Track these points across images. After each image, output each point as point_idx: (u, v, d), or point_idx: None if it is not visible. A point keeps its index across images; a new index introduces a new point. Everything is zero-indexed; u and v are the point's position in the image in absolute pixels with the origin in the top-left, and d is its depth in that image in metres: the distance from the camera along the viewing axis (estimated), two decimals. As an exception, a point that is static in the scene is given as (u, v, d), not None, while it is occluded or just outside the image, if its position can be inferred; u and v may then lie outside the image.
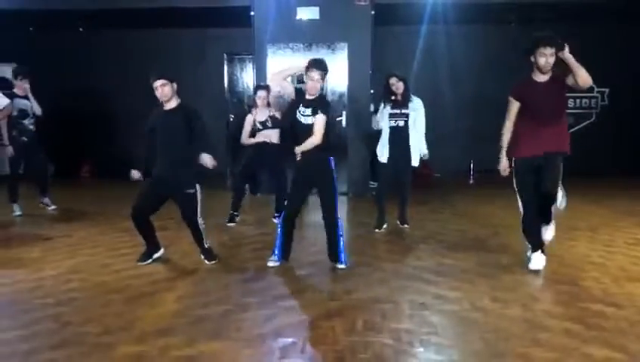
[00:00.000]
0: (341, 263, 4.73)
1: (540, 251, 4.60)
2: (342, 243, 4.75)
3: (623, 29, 10.23)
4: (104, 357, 3.06)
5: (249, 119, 6.56)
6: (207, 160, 4.64)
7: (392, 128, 5.96)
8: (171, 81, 4.61)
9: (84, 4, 8.68)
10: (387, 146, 6.00)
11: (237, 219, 6.52)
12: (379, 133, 6.18)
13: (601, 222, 6.30)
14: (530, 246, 4.68)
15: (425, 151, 6.05)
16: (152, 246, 4.94)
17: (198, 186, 4.75)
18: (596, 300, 3.87)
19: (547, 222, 4.60)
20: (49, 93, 7.59)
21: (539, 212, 4.56)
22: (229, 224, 6.41)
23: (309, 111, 4.54)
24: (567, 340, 3.26)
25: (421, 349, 3.18)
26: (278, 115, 6.53)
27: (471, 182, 10.28)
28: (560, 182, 4.49)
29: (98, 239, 5.82)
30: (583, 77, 4.20)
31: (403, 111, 5.90)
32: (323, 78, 4.53)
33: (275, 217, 6.49)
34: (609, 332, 3.35)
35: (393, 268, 4.74)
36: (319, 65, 4.51)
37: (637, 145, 10.35)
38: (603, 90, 10.76)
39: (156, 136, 4.70)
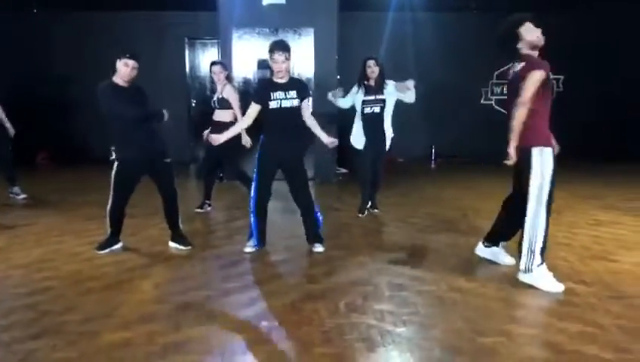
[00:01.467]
0: (322, 242, 4.78)
1: None
2: (321, 221, 4.81)
3: (580, 16, 10.56)
4: (90, 345, 3.01)
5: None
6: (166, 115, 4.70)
7: (367, 115, 5.91)
8: (138, 68, 4.59)
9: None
10: (362, 133, 5.97)
11: (208, 207, 6.43)
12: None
13: (564, 205, 6.54)
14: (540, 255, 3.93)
15: (391, 134, 6.09)
16: (115, 237, 4.84)
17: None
18: (566, 278, 4.02)
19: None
20: (1, 77, 7.29)
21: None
22: (197, 210, 6.34)
23: (293, 93, 4.51)
24: (543, 316, 3.42)
25: (404, 329, 3.26)
26: (228, 95, 6.17)
27: (433, 166, 10.48)
28: None
29: (64, 227, 5.67)
30: None
31: (378, 97, 5.85)
32: (288, 58, 4.46)
33: None
34: (580, 308, 3.52)
35: (369, 252, 4.81)
36: (281, 46, 4.46)
37: (589, 131, 10.74)
38: (558, 77, 11.10)
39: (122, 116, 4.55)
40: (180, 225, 4.91)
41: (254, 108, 4.58)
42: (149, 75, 7.77)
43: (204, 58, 10.78)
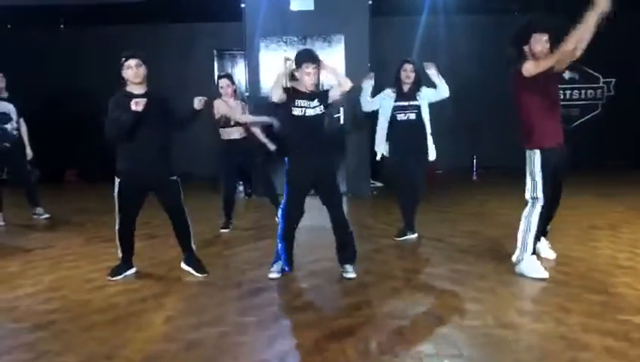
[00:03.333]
0: (354, 263, 4.36)
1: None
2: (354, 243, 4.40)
3: (630, 18, 9.85)
4: (82, 396, 2.64)
5: (219, 104, 5.94)
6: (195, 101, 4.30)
7: (401, 122, 5.33)
8: (145, 63, 4.20)
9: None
10: (385, 139, 5.45)
11: (231, 225, 6.07)
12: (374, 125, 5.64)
13: (621, 220, 5.92)
14: (529, 248, 4.21)
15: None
16: (127, 262, 4.52)
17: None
18: (635, 311, 3.47)
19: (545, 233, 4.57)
20: (29, 94, 7.14)
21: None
22: (222, 230, 5.97)
23: (315, 102, 4.17)
24: (610, 359, 2.87)
25: (446, 376, 2.78)
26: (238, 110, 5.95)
27: (474, 178, 9.90)
28: None
29: (82, 250, 5.38)
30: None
31: (412, 103, 5.31)
32: (317, 68, 4.14)
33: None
34: (657, 350, 2.96)
35: (404, 277, 4.33)
36: (309, 56, 4.15)
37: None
38: (609, 80, 10.39)
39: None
40: (193, 247, 4.52)
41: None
42: (178, 88, 7.56)
43: (233, 69, 10.51)
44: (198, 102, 4.32)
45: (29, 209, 6.91)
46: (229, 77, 6.11)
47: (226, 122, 5.90)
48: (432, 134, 5.45)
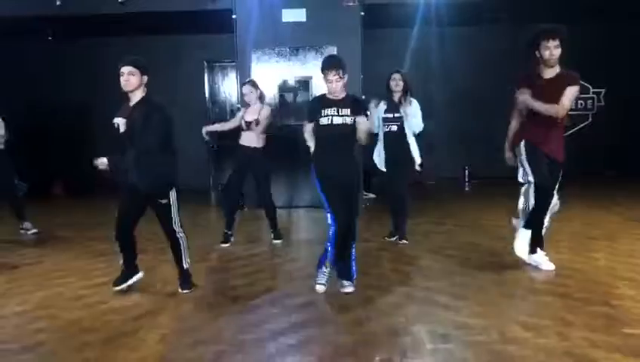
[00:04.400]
0: (351, 281, 4.27)
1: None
2: (354, 255, 4.33)
3: (620, 28, 9.94)
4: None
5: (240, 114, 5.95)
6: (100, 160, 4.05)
7: (385, 133, 5.55)
8: (142, 72, 4.08)
9: (53, 10, 8.04)
10: (383, 153, 5.61)
11: (232, 239, 5.92)
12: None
13: (617, 230, 5.89)
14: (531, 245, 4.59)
15: (418, 156, 5.59)
16: (131, 268, 4.40)
17: (172, 194, 4.22)
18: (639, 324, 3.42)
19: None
20: (16, 106, 7.00)
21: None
22: (222, 245, 5.83)
23: (346, 110, 4.11)
24: (621, 376, 2.80)
25: (453, 394, 2.69)
26: (264, 117, 5.79)
27: (467, 189, 9.87)
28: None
29: (71, 266, 5.24)
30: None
31: (395, 115, 5.48)
32: (342, 76, 4.08)
33: (277, 239, 5.98)
34: (667, 365, 2.90)
35: (404, 291, 4.24)
36: (333, 64, 4.11)
37: (634, 147, 10.02)
38: (599, 90, 10.45)
39: (121, 139, 4.10)
40: (185, 265, 4.38)
41: (308, 127, 4.28)
42: (168, 100, 7.43)
43: (223, 81, 10.43)
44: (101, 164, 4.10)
45: (16, 224, 6.74)
46: (252, 83, 5.97)
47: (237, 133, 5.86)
48: (422, 146, 5.62)
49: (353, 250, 4.32)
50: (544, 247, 4.69)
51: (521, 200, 4.66)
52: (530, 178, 4.43)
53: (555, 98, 4.22)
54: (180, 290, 4.33)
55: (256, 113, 5.77)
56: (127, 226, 4.29)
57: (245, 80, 6.34)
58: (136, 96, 4.11)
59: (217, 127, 6.28)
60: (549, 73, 4.29)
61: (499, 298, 4.03)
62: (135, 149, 4.00)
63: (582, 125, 10.50)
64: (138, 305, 4.08)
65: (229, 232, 5.89)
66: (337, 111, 4.11)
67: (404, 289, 4.30)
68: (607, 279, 4.36)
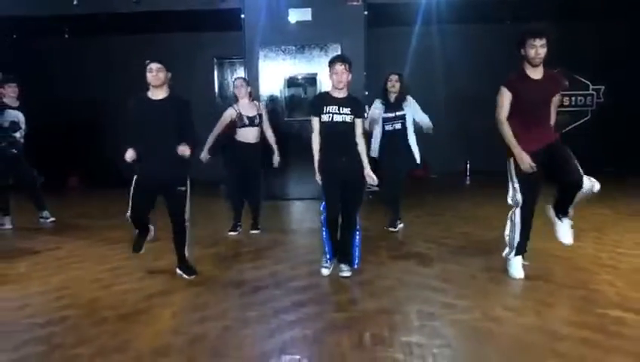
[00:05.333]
0: (353, 266, 4.61)
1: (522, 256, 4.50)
2: (357, 243, 4.66)
3: (619, 26, 10.13)
4: (98, 383, 2.85)
5: (230, 112, 6.04)
6: (181, 148, 4.33)
7: (388, 132, 5.87)
8: (167, 69, 4.42)
9: (70, 10, 8.40)
10: (378, 148, 5.94)
11: (239, 228, 6.24)
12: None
13: (607, 223, 6.16)
14: (515, 249, 4.44)
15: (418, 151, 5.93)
16: (144, 231, 4.80)
17: (188, 183, 4.55)
18: (613, 305, 3.70)
19: (566, 214, 4.41)
20: (33, 101, 7.33)
21: (560, 204, 4.36)
22: (230, 233, 6.16)
23: (347, 110, 4.41)
24: (588, 350, 3.09)
25: (435, 364, 3.00)
26: (264, 111, 6.14)
27: (467, 183, 10.14)
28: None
29: (87, 252, 5.59)
30: None
31: (397, 113, 5.81)
32: (348, 69, 4.38)
33: (256, 229, 6.28)
34: (631, 341, 3.19)
35: (398, 276, 4.55)
36: (341, 57, 4.48)
37: (633, 143, 10.23)
38: (599, 87, 10.66)
39: (143, 129, 4.41)
40: (186, 253, 4.66)
41: (315, 121, 4.51)
42: (180, 94, 7.76)
43: (232, 77, 10.76)
44: (184, 151, 4.39)
45: (35, 213, 7.11)
46: (244, 78, 6.32)
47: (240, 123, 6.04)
48: (425, 141, 5.94)
49: (357, 238, 4.66)
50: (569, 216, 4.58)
51: (508, 226, 4.48)
52: (519, 198, 4.32)
53: (544, 99, 4.30)
54: (185, 276, 4.62)
55: (256, 109, 6.07)
56: (143, 217, 4.63)
57: (250, 77, 6.67)
58: (162, 91, 4.43)
59: (210, 140, 6.06)
60: (537, 74, 4.28)
61: (486, 283, 4.33)
62: (167, 143, 4.33)
63: (581, 121, 10.73)
64: (150, 286, 4.42)
65: (238, 223, 6.24)
66: (338, 110, 4.40)
67: (398, 274, 4.62)
68: (589, 266, 4.65)
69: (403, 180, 6.10)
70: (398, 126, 5.83)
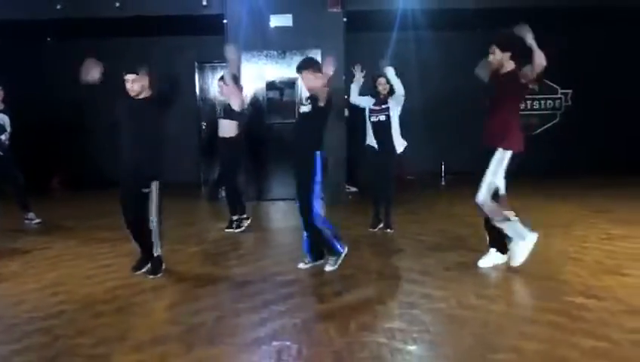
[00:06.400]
0: (331, 260, 4.82)
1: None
2: (327, 235, 4.81)
3: (587, 31, 10.57)
4: (103, 368, 3.05)
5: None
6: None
7: (374, 123, 6.29)
8: (147, 74, 4.59)
9: (51, 14, 8.52)
10: (373, 139, 6.34)
11: (247, 221, 6.50)
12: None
13: (574, 219, 6.52)
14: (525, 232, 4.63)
15: (403, 143, 6.34)
16: (144, 252, 4.84)
17: (155, 185, 4.63)
18: (578, 293, 4.02)
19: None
20: (16, 104, 7.43)
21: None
22: (227, 230, 6.39)
23: (307, 102, 4.80)
24: (554, 332, 3.39)
25: (415, 347, 3.26)
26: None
27: (443, 183, 10.48)
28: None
29: (78, 251, 5.73)
30: (539, 56, 4.30)
31: (383, 106, 6.22)
32: (301, 75, 4.80)
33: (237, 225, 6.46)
34: (592, 323, 3.50)
35: (379, 270, 4.83)
36: (299, 64, 4.86)
37: (600, 145, 10.68)
38: (567, 91, 11.11)
39: (120, 128, 4.59)
40: (155, 253, 4.76)
41: None
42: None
43: (213, 81, 10.90)
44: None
45: (20, 214, 7.20)
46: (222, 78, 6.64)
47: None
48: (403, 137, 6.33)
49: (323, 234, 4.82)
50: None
51: (505, 226, 4.65)
52: (498, 182, 4.60)
53: (501, 92, 4.68)
54: (148, 276, 4.72)
55: (238, 96, 6.42)
56: (128, 218, 4.70)
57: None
58: (142, 95, 4.62)
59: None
60: (503, 71, 4.72)
61: (461, 275, 4.62)
62: (141, 141, 4.53)
63: (550, 124, 11.18)
64: (142, 282, 4.61)
65: (242, 216, 6.48)
66: (303, 105, 4.89)
67: (378, 268, 4.90)
68: (558, 259, 4.98)
69: (392, 180, 6.41)
70: (382, 118, 6.25)
